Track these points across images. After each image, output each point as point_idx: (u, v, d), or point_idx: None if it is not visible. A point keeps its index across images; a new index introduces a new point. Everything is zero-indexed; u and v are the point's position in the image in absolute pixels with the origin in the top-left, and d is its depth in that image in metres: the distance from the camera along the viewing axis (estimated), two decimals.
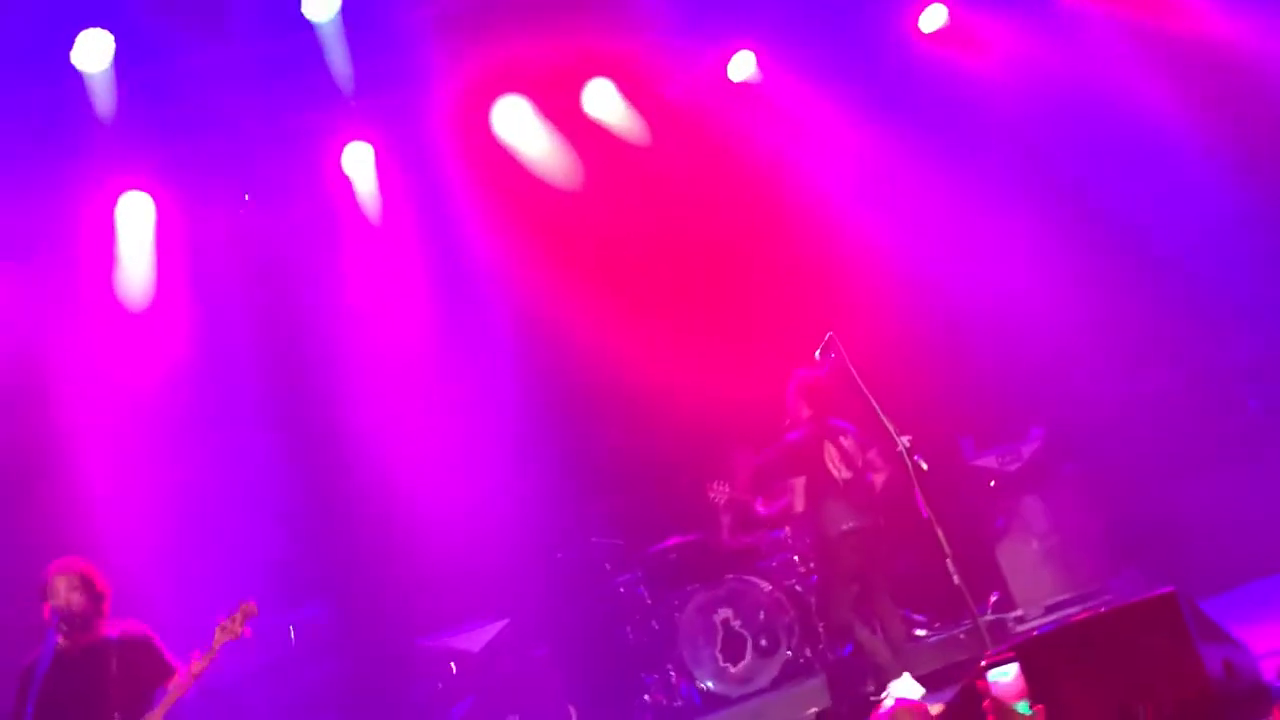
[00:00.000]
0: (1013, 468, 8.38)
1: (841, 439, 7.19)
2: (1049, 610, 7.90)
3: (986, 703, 3.30)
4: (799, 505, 7.26)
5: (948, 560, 5.66)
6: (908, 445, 5.81)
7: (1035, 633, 5.12)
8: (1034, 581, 8.07)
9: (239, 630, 5.62)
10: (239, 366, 8.38)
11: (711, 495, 7.85)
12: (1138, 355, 8.81)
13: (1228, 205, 8.96)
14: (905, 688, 6.68)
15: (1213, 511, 7.94)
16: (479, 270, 8.91)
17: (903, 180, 9.04)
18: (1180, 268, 8.79)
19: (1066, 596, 7.96)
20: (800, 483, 7.20)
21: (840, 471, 7.19)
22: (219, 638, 5.60)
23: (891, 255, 8.95)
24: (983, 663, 3.25)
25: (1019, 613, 7.88)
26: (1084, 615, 5.17)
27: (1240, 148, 8.85)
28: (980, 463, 8.42)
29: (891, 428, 5.86)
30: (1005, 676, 3.91)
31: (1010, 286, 8.80)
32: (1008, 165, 9.11)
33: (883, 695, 6.52)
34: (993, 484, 8.37)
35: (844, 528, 7.14)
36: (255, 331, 8.43)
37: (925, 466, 5.82)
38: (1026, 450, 8.40)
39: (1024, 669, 4.64)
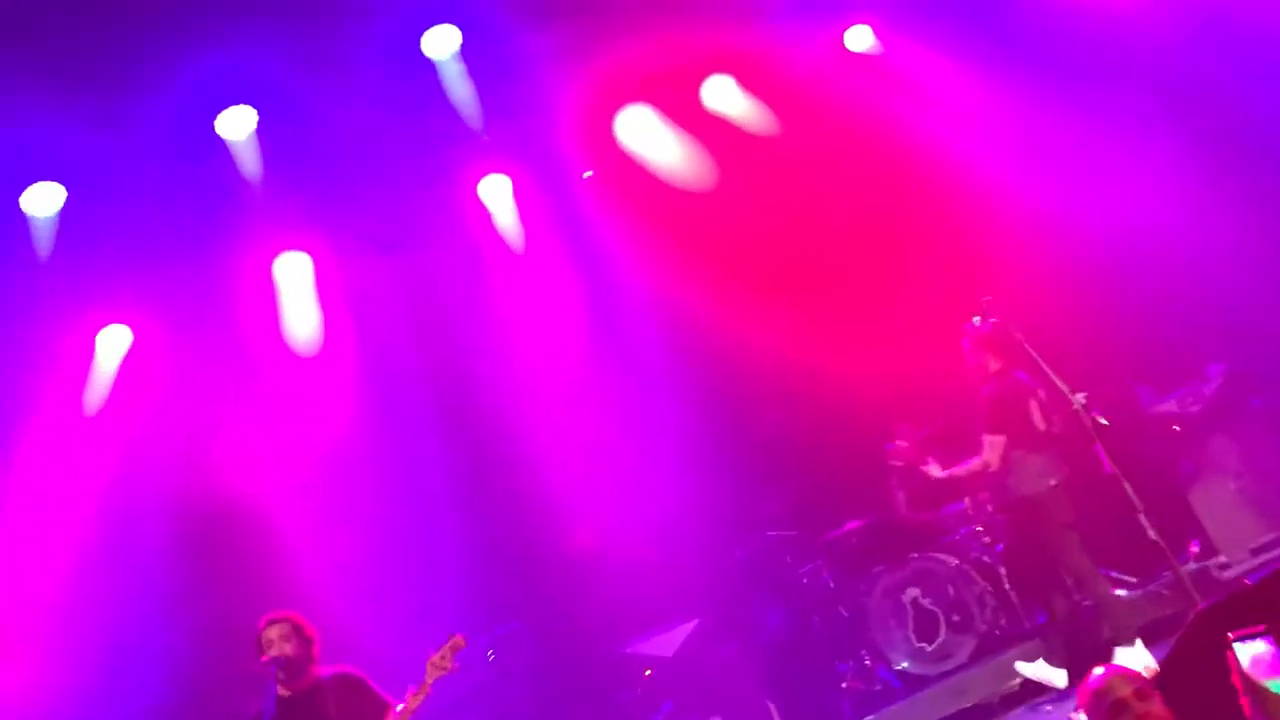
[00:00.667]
0: (1195, 409, 8.04)
1: (1040, 390, 6.98)
2: (1255, 553, 7.55)
3: (1236, 679, 3.16)
4: (995, 463, 7.01)
5: (1140, 515, 5.48)
6: (1083, 402, 5.65)
7: (1247, 580, 4.92)
8: (1234, 525, 7.71)
9: (449, 664, 5.82)
10: (410, 404, 8.67)
11: (891, 460, 7.71)
12: None
13: None
14: (1133, 656, 6.49)
15: None
16: (625, 281, 9.02)
17: (1039, 130, 8.76)
18: None
19: (1272, 537, 7.60)
20: (999, 440, 6.92)
21: (1043, 424, 7.01)
22: (430, 673, 5.82)
23: (1038, 209, 8.67)
24: (1230, 635, 3.12)
25: (1222, 559, 7.55)
26: None
27: None
28: (1162, 409, 8.10)
29: (1064, 386, 5.70)
30: (1256, 650, 3.70)
31: (1161, 224, 8.42)
32: (1144, 100, 8.74)
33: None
34: (1177, 429, 8.04)
35: (1052, 482, 6.96)
36: (422, 368, 8.72)
37: (1105, 422, 5.64)
38: (1208, 390, 8.05)
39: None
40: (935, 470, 7.49)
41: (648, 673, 7.87)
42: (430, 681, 5.77)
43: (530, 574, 8.69)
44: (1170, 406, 8.08)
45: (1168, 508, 7.22)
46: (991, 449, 6.96)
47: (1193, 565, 7.51)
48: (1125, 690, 3.82)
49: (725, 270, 8.93)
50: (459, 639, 5.85)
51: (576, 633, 8.39)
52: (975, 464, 7.10)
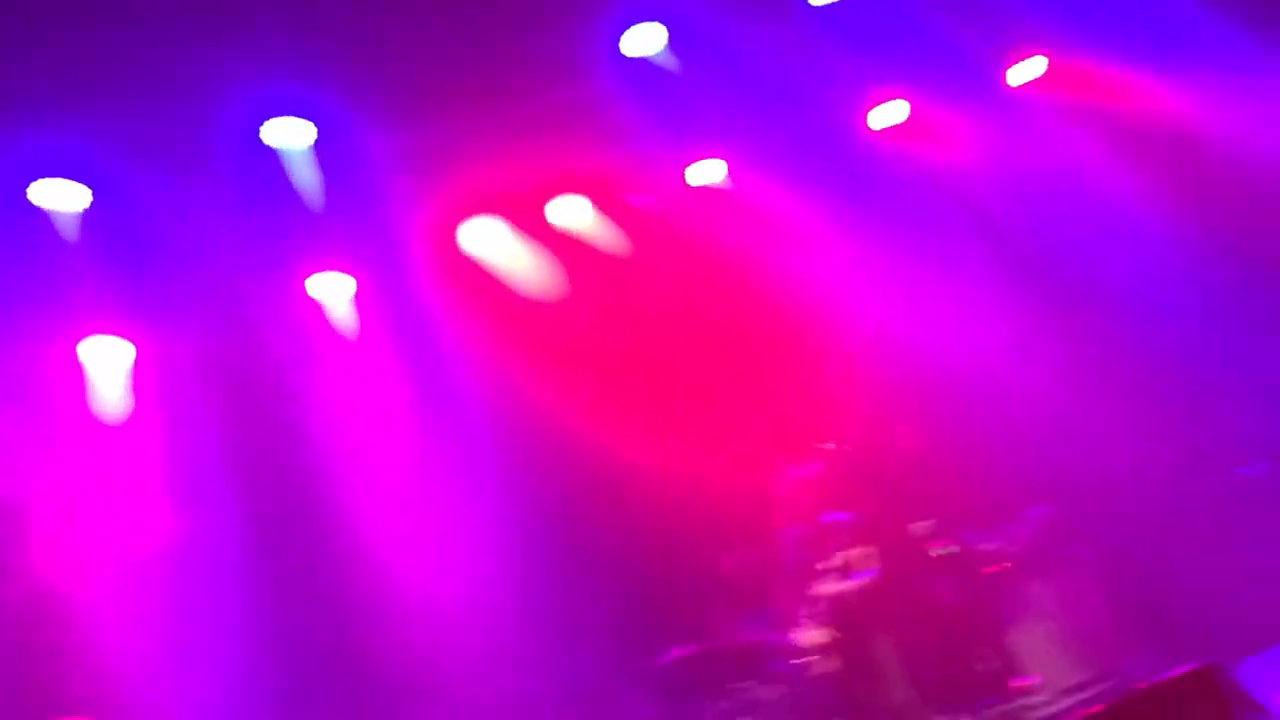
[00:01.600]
0: (1014, 549, 8.25)
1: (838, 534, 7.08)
2: (1066, 693, 7.70)
3: None
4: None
5: (973, 647, 5.49)
6: (926, 531, 5.69)
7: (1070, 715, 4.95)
8: (1048, 665, 7.88)
9: None
10: (219, 491, 8.17)
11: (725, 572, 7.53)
12: (1128, 432, 8.76)
13: (1197, 281, 9.06)
14: None
15: (1220, 580, 7.86)
16: (461, 379, 8.80)
17: (877, 269, 9.10)
18: (1161, 345, 8.83)
19: (1084, 679, 7.77)
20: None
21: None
22: None
23: (873, 344, 8.95)
24: None
25: (1040, 698, 7.66)
26: (1122, 693, 5.02)
27: (1206, 226, 9.01)
28: (982, 548, 8.28)
29: (908, 519, 5.74)
30: None
31: (996, 370, 8.79)
32: (981, 249, 9.22)
33: None
34: (997, 569, 8.22)
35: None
36: (235, 455, 8.26)
37: (945, 552, 5.69)
38: (1026, 531, 8.29)
39: None
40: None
41: None
42: None
43: (333, 678, 8.12)
44: (991, 546, 8.27)
45: (986, 644, 7.34)
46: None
47: (1008, 704, 7.58)
48: None
49: (566, 378, 8.84)
50: None
51: None
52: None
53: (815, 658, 8.10)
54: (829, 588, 7.04)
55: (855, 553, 7.01)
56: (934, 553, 5.68)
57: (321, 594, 8.28)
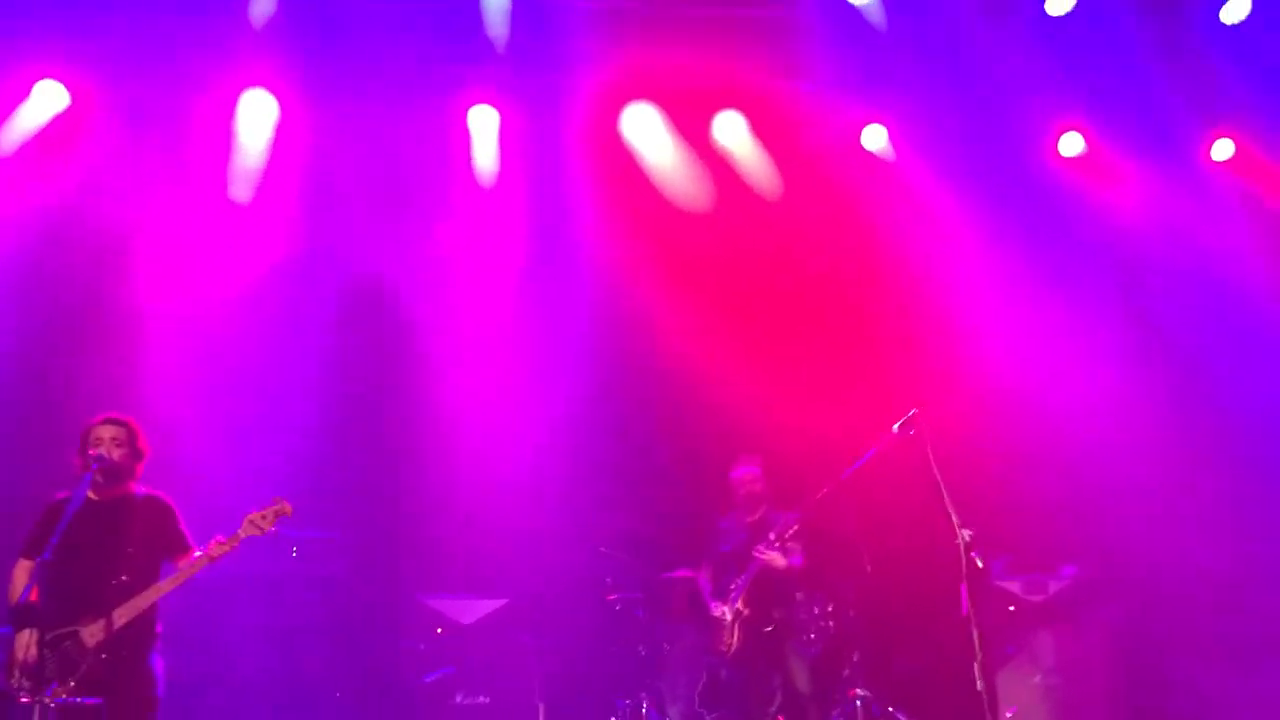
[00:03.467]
0: (1036, 599, 8.27)
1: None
2: None
3: None
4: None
5: (976, 665, 5.54)
6: (968, 539, 5.71)
7: None
8: (1027, 716, 7.93)
9: (267, 526, 5.59)
10: (322, 279, 8.39)
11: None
12: (1199, 527, 8.64)
13: None
14: None
15: (1233, 707, 7.81)
16: (575, 257, 8.90)
17: (1004, 286, 9.02)
18: (1262, 456, 8.68)
19: None
20: None
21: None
22: (246, 529, 5.58)
23: (980, 355, 8.90)
24: None
25: None
26: None
27: None
28: (1005, 584, 8.31)
29: (956, 518, 5.77)
30: None
31: (1091, 423, 8.69)
32: (1108, 299, 9.10)
33: None
34: (1011, 609, 8.26)
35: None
36: (346, 248, 8.46)
37: (981, 565, 5.72)
38: (1054, 585, 8.30)
39: None
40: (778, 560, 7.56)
41: (439, 631, 7.66)
42: (242, 535, 5.55)
43: (371, 492, 8.37)
44: (1015, 586, 8.30)
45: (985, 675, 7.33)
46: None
47: None
48: None
49: (680, 288, 8.90)
50: (286, 505, 5.64)
51: (389, 566, 8.09)
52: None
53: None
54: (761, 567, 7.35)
55: (794, 543, 7.37)
56: (967, 562, 5.67)
57: (390, 413, 8.48)
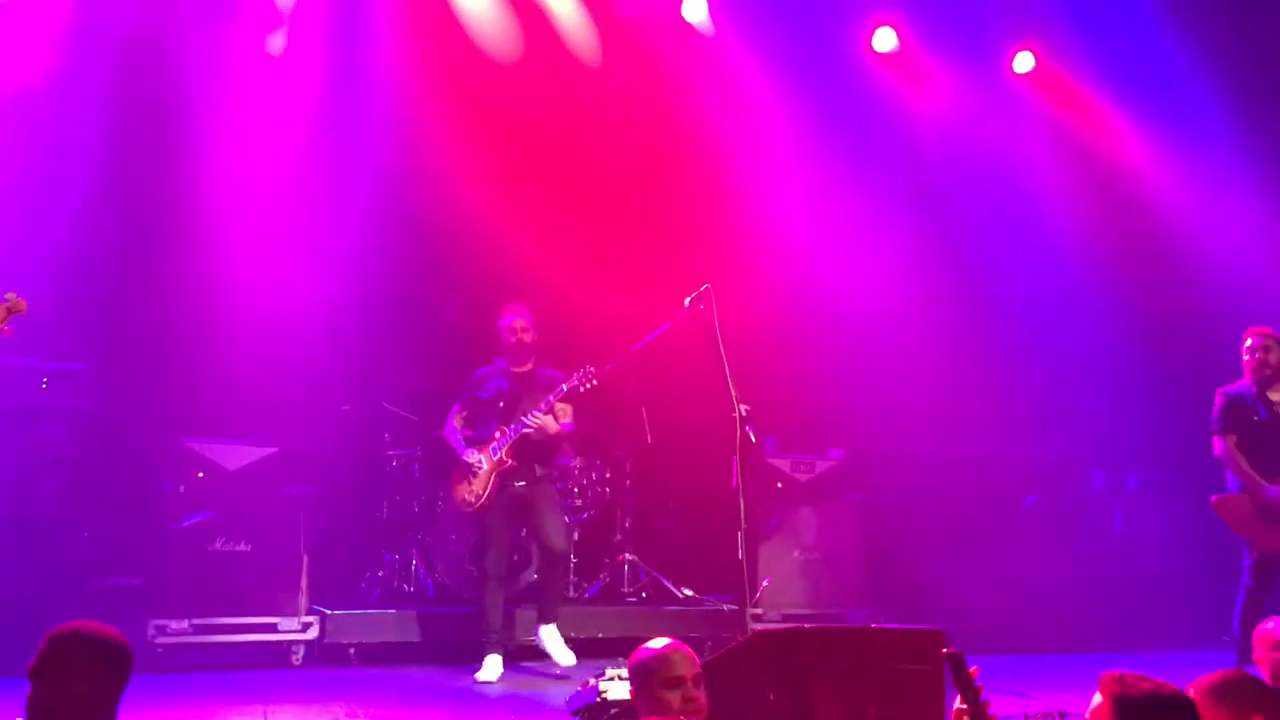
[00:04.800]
0: (803, 477, 8.61)
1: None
2: (786, 618, 8.14)
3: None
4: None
5: (739, 534, 5.71)
6: (745, 413, 5.83)
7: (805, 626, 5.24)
8: (783, 588, 8.31)
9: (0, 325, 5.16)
10: (94, 98, 7.67)
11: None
12: (955, 419, 9.17)
13: (1091, 308, 9.47)
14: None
15: (964, 581, 8.39)
16: (373, 100, 8.45)
17: (806, 173, 9.14)
18: (1028, 354, 9.20)
19: (807, 611, 8.24)
20: None
21: None
22: None
23: (776, 239, 9.03)
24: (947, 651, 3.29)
25: (759, 610, 8.07)
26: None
27: (1115, 265, 9.37)
28: (775, 462, 8.61)
29: (735, 393, 5.87)
30: None
31: (872, 308, 9.02)
32: (903, 197, 9.36)
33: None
34: (779, 486, 8.57)
35: None
36: (125, 72, 7.75)
37: (754, 439, 5.86)
38: (821, 466, 8.65)
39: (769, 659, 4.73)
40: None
41: (200, 475, 7.35)
42: None
43: (138, 322, 7.83)
44: (784, 464, 8.60)
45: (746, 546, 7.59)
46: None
47: (730, 605, 7.92)
48: (686, 669, 3.91)
49: (487, 142, 8.58)
50: (18, 300, 5.21)
51: (149, 403, 7.65)
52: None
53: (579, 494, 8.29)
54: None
55: (565, 405, 7.16)
56: (741, 435, 5.81)
57: (168, 250, 7.91)
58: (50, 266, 7.24)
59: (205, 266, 7.82)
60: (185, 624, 7.05)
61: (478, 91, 8.67)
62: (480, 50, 8.67)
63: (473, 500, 7.24)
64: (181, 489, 7.27)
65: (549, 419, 7.13)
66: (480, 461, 7.24)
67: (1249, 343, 7.19)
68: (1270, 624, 4.51)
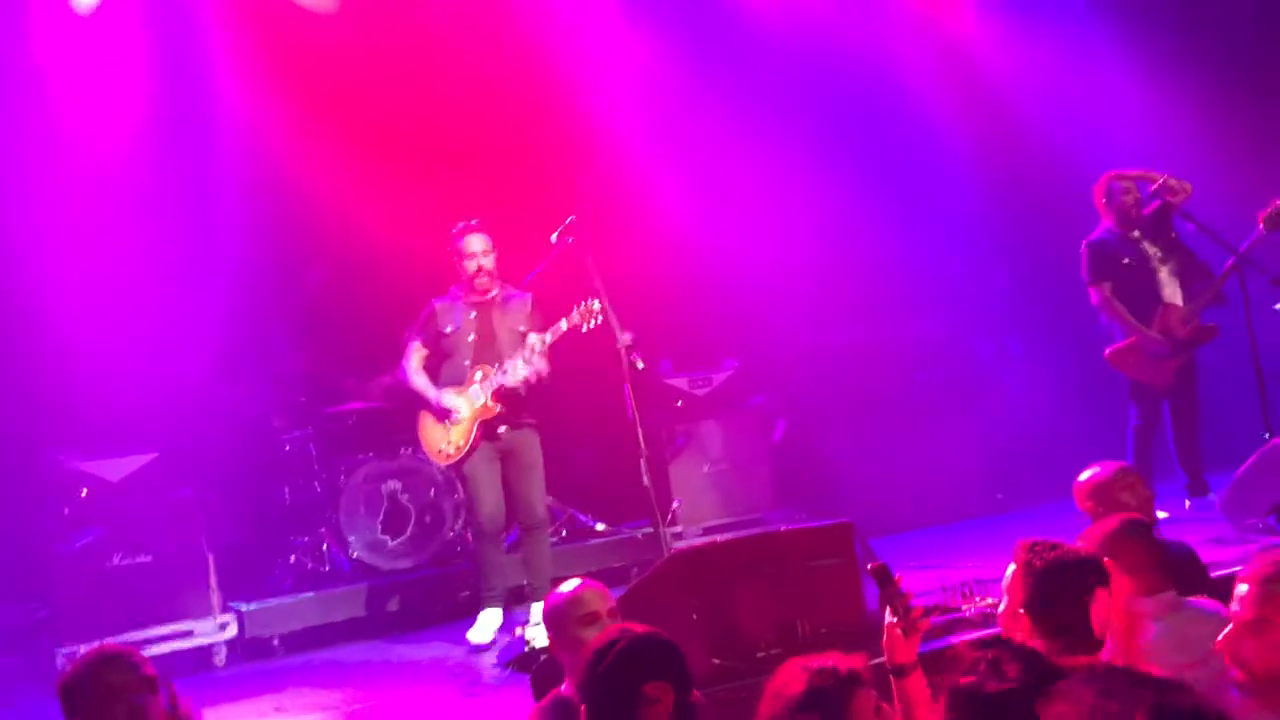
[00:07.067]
0: (701, 392, 8.63)
1: None
2: (706, 531, 8.20)
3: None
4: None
5: (642, 460, 5.70)
6: (628, 343, 5.79)
7: (717, 539, 5.27)
8: (699, 502, 8.35)
9: None
10: None
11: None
12: (839, 308, 9.25)
13: (956, 199, 9.55)
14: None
15: (872, 465, 8.53)
16: (208, 74, 8.06)
17: (663, 90, 8.99)
18: (898, 240, 9.28)
19: (726, 521, 8.30)
20: None
21: None
22: None
23: (636, 163, 8.88)
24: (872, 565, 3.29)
25: (678, 529, 8.11)
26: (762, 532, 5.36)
27: (979, 151, 9.44)
28: (672, 382, 8.60)
29: (616, 322, 5.82)
30: None
31: (741, 220, 8.98)
32: (767, 104, 9.27)
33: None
34: (679, 404, 8.57)
35: None
36: None
37: (641, 366, 5.82)
38: (717, 378, 8.67)
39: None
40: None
41: (84, 493, 7.06)
42: None
43: None
44: (681, 383, 8.61)
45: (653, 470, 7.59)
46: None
47: (645, 530, 7.94)
48: (600, 605, 3.89)
49: (325, 111, 8.23)
50: None
51: (16, 430, 7.27)
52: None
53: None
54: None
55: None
56: (628, 364, 5.77)
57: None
58: None
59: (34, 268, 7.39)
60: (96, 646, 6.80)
61: (306, 46, 8.27)
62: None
63: (452, 452, 6.61)
64: (66, 510, 6.98)
65: (544, 363, 6.47)
66: (460, 407, 6.60)
67: (1113, 187, 7.32)
68: (1085, 474, 4.47)
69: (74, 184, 7.68)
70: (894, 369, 9.19)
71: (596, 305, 6.07)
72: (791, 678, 2.65)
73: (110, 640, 6.31)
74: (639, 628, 3.06)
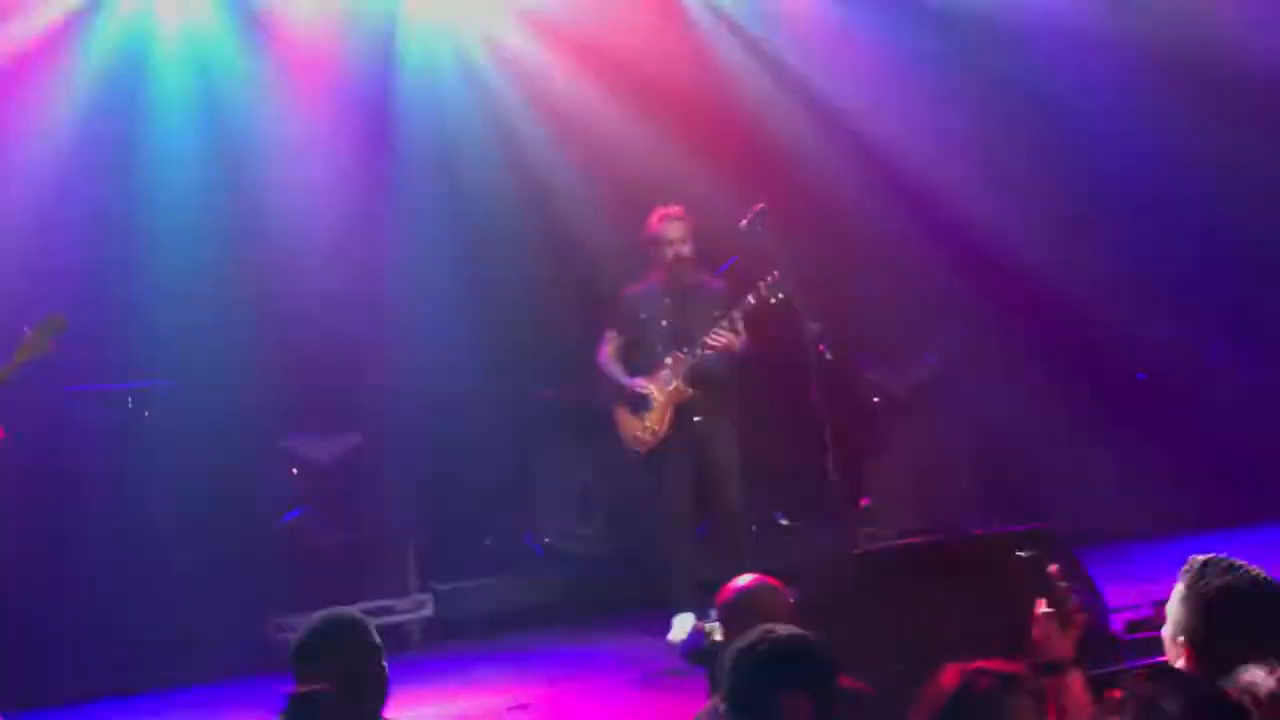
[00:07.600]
0: (900, 388, 8.30)
1: None
2: (898, 533, 7.90)
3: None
4: None
5: (828, 455, 5.55)
6: (816, 332, 5.65)
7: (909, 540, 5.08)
8: (891, 503, 8.06)
9: (45, 345, 5.24)
10: None
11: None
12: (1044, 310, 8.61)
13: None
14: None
15: (1086, 472, 8.07)
16: None
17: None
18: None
19: (919, 523, 7.96)
20: None
21: None
22: (20, 354, 5.22)
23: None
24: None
25: (869, 528, 7.85)
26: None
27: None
28: (870, 376, 8.32)
29: (803, 311, 5.69)
30: None
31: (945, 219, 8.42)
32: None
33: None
34: (876, 400, 8.29)
35: None
36: None
37: (830, 357, 5.67)
38: (917, 375, 8.32)
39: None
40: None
41: (294, 471, 7.40)
42: (19, 361, 5.19)
43: (211, 330, 7.66)
44: (877, 378, 8.31)
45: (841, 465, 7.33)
46: None
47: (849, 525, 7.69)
48: (773, 602, 3.79)
49: None
50: (59, 318, 5.29)
51: (235, 409, 7.62)
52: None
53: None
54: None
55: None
56: (816, 355, 5.61)
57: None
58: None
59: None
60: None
61: None
62: None
63: (648, 439, 6.53)
64: (277, 488, 7.33)
65: (734, 337, 6.35)
66: (652, 392, 6.56)
67: None
68: None
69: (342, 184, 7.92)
70: (1111, 371, 8.63)
71: (777, 278, 6.02)
72: (947, 680, 2.49)
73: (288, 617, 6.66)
74: (783, 629, 2.93)
